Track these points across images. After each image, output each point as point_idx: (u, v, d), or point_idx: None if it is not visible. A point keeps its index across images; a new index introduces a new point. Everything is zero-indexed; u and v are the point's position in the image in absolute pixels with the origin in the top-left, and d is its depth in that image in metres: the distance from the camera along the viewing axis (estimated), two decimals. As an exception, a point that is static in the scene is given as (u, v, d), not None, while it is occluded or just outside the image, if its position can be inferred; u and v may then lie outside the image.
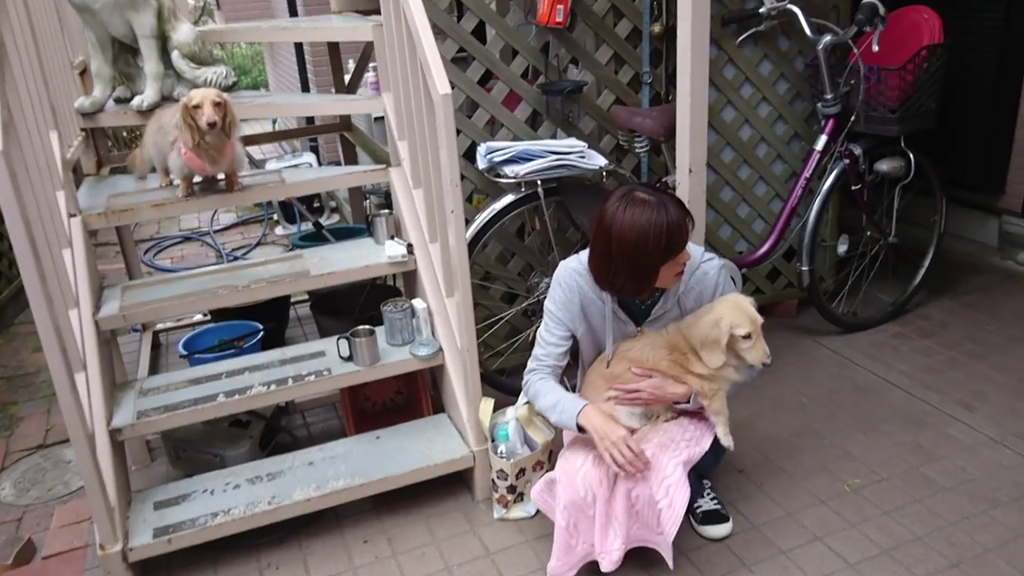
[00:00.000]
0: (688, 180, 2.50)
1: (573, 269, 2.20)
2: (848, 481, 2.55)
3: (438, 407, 2.84)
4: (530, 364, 2.29)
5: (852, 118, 3.02)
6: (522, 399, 2.48)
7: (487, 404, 2.49)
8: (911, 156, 3.14)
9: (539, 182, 2.65)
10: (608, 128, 3.07)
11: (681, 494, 2.03)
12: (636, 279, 2.06)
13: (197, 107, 2.41)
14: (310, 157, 5.62)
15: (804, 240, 3.17)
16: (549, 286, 2.91)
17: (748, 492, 2.53)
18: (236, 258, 5.07)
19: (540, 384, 2.24)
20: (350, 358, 2.57)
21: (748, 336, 2.09)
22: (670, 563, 2.07)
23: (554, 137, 3.02)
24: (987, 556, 2.21)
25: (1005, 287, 3.77)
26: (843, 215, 3.48)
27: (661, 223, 1.99)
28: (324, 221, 5.35)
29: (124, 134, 6.63)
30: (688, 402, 2.18)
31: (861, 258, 3.42)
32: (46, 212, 2.25)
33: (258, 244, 5.34)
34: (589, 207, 2.82)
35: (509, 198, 2.71)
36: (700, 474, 2.42)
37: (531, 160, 2.66)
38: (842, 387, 3.08)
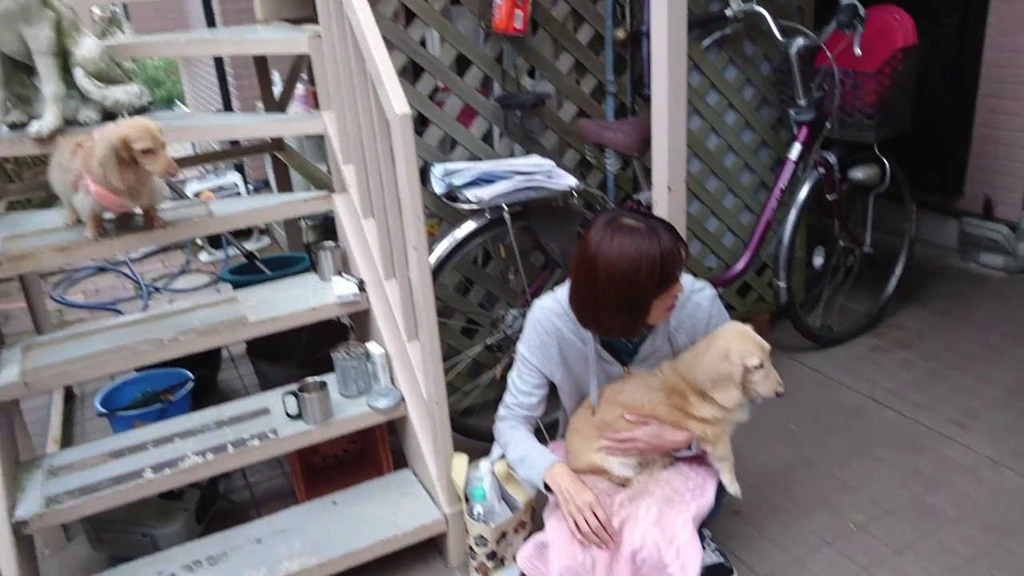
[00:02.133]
0: (667, 199, 2.26)
1: (549, 309, 1.95)
2: (852, 518, 2.36)
3: (399, 459, 2.55)
4: (500, 411, 2.05)
5: (827, 125, 2.86)
6: (496, 450, 2.21)
7: (460, 461, 2.21)
8: (885, 163, 3.00)
9: (505, 206, 2.38)
10: (571, 143, 2.83)
11: (693, 556, 1.79)
12: (626, 316, 1.82)
13: (148, 152, 2.06)
14: (235, 177, 5.21)
15: (780, 255, 2.99)
16: (515, 317, 2.71)
17: (748, 537, 2.32)
18: (157, 288, 4.65)
19: (510, 434, 2.02)
20: (299, 416, 2.25)
21: (760, 366, 1.87)
22: (682, 635, 1.83)
23: (513, 154, 2.75)
24: (1012, 597, 2.05)
25: (973, 292, 3.69)
26: (812, 226, 3.33)
27: (654, 253, 1.75)
28: (253, 245, 4.96)
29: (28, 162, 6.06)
30: (690, 448, 1.95)
31: (835, 270, 3.27)
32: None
33: (181, 273, 4.91)
34: (558, 230, 2.57)
35: (471, 225, 2.43)
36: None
37: (494, 182, 2.39)
38: (828, 409, 2.90)
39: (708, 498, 1.93)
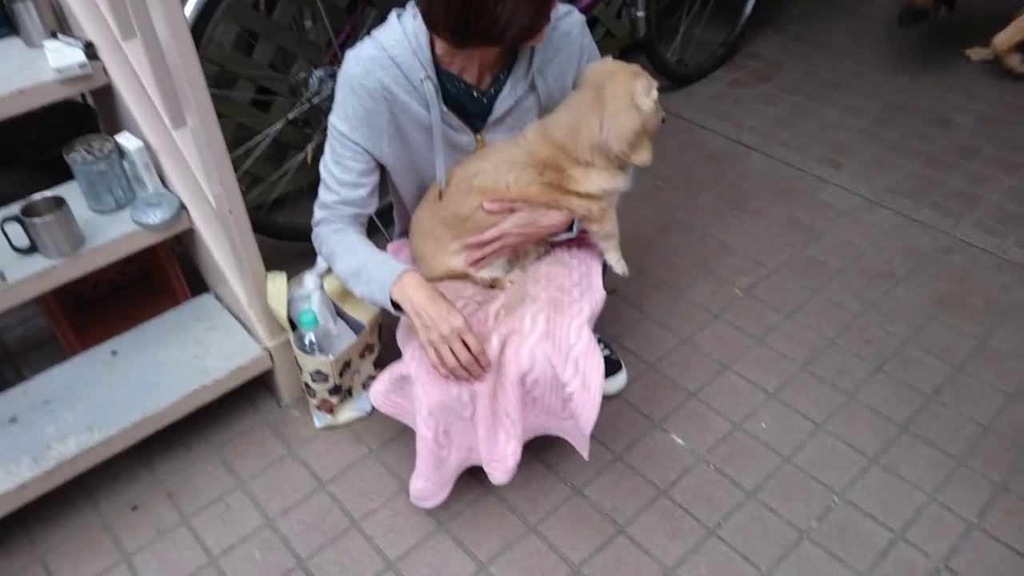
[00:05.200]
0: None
1: (370, 60, 1.36)
2: (737, 283, 2.12)
3: (195, 281, 1.98)
4: (317, 213, 1.51)
5: None
6: (323, 261, 1.71)
7: (277, 281, 1.69)
8: None
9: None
10: None
11: (595, 367, 1.42)
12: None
13: None
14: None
15: (639, -21, 2.47)
16: (321, 79, 2.07)
17: (631, 320, 2.02)
18: None
19: (336, 241, 1.48)
20: (33, 248, 1.60)
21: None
22: (586, 455, 1.52)
23: None
24: (906, 350, 1.91)
25: (827, 13, 3.38)
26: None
27: None
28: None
29: None
30: (570, 230, 1.54)
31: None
32: None
33: None
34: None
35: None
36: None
37: None
38: (695, 158, 2.58)
39: (597, 289, 1.55)
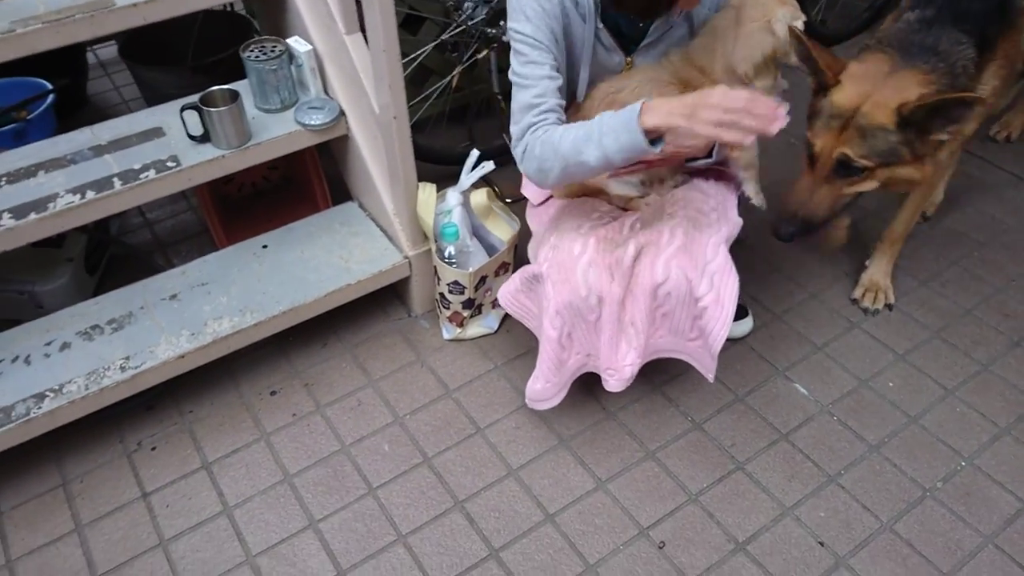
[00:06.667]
0: None
1: None
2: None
3: (336, 190, 2.06)
4: (515, 128, 1.42)
5: None
6: (467, 178, 1.75)
7: (427, 191, 1.75)
8: None
9: None
10: None
11: (731, 285, 1.44)
12: None
13: None
14: None
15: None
16: (477, 4, 2.10)
17: (760, 271, 2.02)
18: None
19: (550, 131, 1.37)
20: (205, 137, 1.69)
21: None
22: (710, 377, 1.53)
23: None
24: (1048, 328, 1.86)
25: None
26: None
27: None
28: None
29: None
30: (710, 156, 1.53)
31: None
32: None
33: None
34: None
35: None
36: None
37: None
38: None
39: (734, 217, 1.55)
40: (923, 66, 1.42)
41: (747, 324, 1.86)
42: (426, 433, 1.68)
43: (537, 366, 1.55)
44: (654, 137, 1.27)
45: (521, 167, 1.43)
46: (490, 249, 1.81)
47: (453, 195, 1.79)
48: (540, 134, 1.37)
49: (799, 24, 1.44)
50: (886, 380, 1.75)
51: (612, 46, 1.49)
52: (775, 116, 1.21)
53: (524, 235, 1.71)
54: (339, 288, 1.75)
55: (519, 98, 1.41)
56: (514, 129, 1.42)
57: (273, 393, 1.77)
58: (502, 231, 1.79)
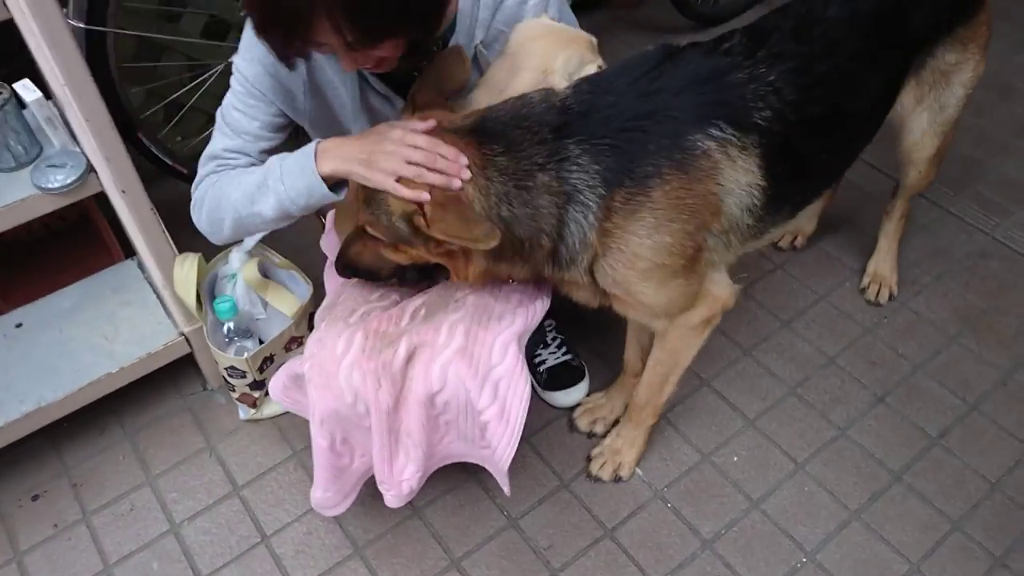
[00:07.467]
0: None
1: None
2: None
3: (127, 242, 1.79)
4: (202, 168, 1.24)
5: None
6: (250, 240, 1.50)
7: (188, 265, 1.48)
8: None
9: None
10: None
11: (519, 391, 1.21)
12: None
13: None
14: None
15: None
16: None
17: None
18: None
19: (223, 177, 1.20)
20: (-88, 212, 1.41)
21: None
22: (506, 489, 1.32)
23: None
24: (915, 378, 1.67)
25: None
26: None
27: None
28: None
29: None
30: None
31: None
32: None
33: None
34: None
35: None
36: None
37: None
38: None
39: (539, 303, 1.31)
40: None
41: (581, 388, 1.64)
42: (203, 545, 1.46)
43: (315, 473, 1.34)
44: (332, 183, 1.10)
45: (195, 221, 1.25)
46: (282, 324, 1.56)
47: (237, 257, 1.54)
48: (215, 179, 1.20)
49: (590, 69, 1.19)
50: (731, 453, 1.56)
51: (387, 92, 1.26)
52: (459, 168, 1.04)
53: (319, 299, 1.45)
54: (95, 380, 1.50)
55: (213, 144, 1.23)
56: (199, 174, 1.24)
57: (35, 498, 1.54)
58: (286, 304, 1.53)
